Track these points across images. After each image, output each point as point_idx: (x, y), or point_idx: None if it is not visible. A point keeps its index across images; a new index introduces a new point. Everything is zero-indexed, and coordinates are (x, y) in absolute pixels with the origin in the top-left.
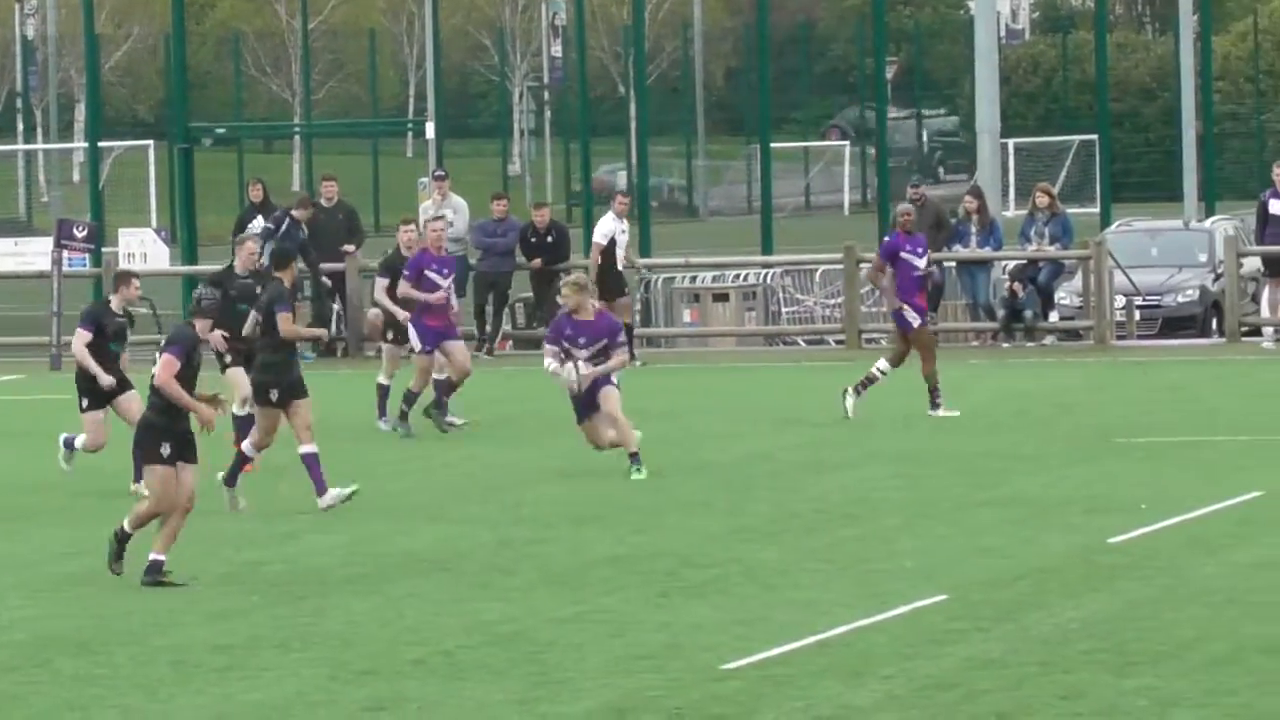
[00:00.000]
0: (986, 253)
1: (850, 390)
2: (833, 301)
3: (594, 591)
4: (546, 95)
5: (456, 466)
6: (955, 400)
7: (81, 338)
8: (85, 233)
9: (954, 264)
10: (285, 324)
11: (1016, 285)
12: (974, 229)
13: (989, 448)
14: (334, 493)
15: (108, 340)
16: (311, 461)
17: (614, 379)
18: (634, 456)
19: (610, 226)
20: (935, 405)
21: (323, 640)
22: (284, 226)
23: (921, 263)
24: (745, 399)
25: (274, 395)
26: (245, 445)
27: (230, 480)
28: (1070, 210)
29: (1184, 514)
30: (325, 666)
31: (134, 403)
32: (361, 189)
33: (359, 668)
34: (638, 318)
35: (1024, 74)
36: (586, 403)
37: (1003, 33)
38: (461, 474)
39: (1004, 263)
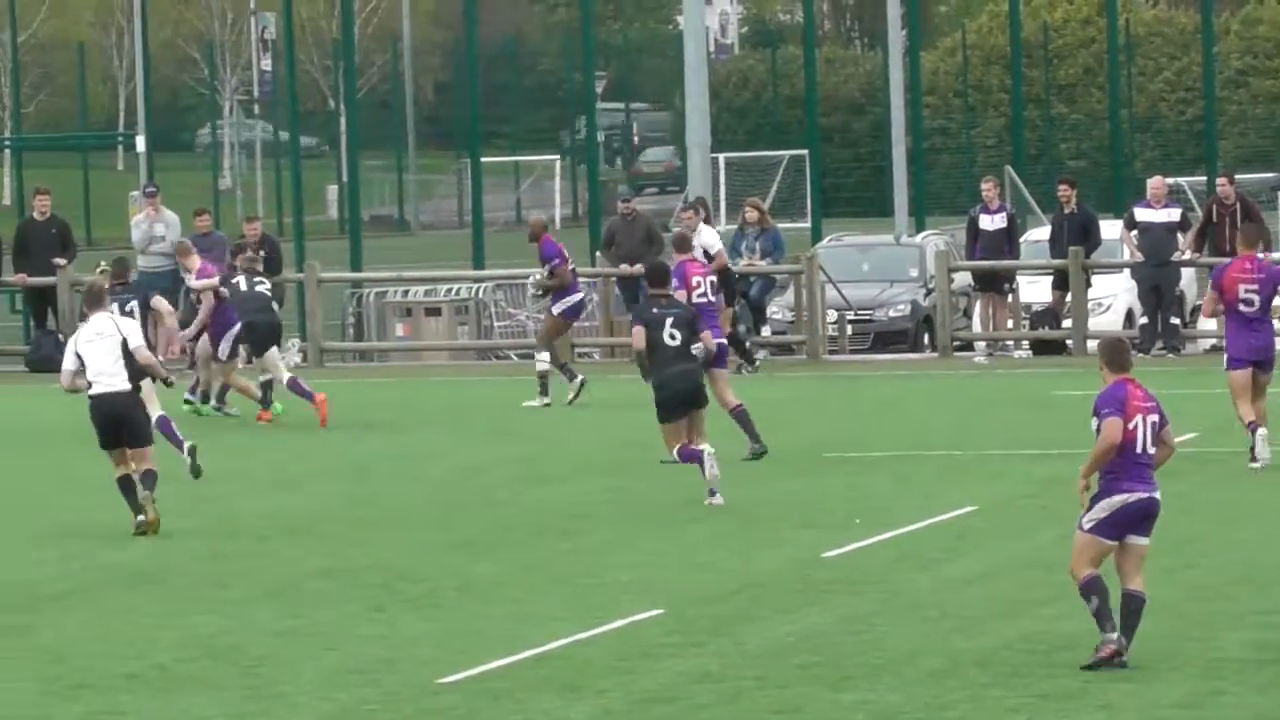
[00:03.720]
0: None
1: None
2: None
3: (309, 605)
4: (256, 109)
5: (167, 478)
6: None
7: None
8: None
9: None
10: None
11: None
12: None
13: None
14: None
15: None
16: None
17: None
18: None
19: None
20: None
21: (34, 655)
22: None
23: None
24: (458, 413)
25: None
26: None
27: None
28: (781, 225)
29: (897, 529)
30: (37, 681)
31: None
32: (73, 202)
33: (72, 682)
34: (350, 332)
35: (734, 89)
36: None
37: (712, 47)
38: (173, 486)
39: None
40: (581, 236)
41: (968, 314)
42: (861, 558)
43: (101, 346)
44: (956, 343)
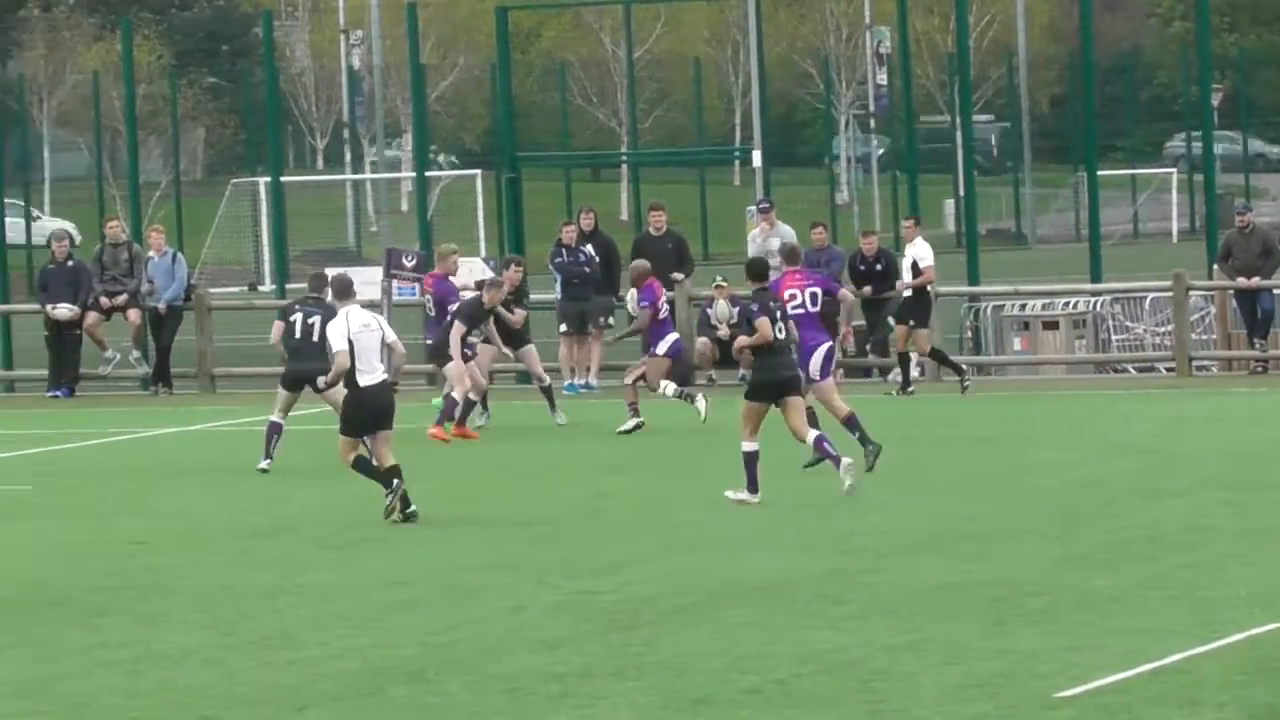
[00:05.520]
0: None
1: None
2: (1163, 329)
3: (926, 619)
4: (872, 123)
5: (785, 496)
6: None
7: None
8: (415, 262)
9: None
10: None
11: None
12: None
13: None
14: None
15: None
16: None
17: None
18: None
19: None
20: None
21: (655, 669)
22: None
23: None
24: (1075, 427)
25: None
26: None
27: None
28: None
29: None
30: (659, 695)
31: None
32: (689, 217)
33: (692, 696)
34: (970, 345)
35: None
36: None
37: None
38: (791, 503)
39: None
40: (1198, 249)
41: None
42: None
43: (370, 339)
44: None
